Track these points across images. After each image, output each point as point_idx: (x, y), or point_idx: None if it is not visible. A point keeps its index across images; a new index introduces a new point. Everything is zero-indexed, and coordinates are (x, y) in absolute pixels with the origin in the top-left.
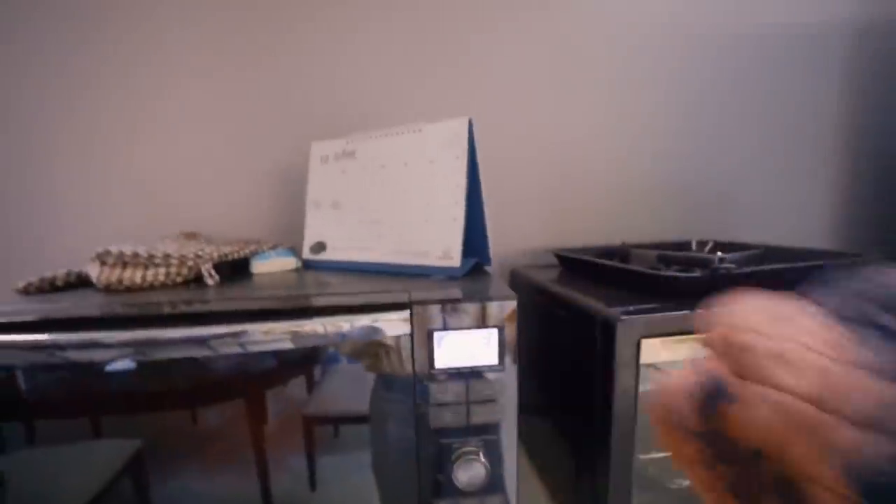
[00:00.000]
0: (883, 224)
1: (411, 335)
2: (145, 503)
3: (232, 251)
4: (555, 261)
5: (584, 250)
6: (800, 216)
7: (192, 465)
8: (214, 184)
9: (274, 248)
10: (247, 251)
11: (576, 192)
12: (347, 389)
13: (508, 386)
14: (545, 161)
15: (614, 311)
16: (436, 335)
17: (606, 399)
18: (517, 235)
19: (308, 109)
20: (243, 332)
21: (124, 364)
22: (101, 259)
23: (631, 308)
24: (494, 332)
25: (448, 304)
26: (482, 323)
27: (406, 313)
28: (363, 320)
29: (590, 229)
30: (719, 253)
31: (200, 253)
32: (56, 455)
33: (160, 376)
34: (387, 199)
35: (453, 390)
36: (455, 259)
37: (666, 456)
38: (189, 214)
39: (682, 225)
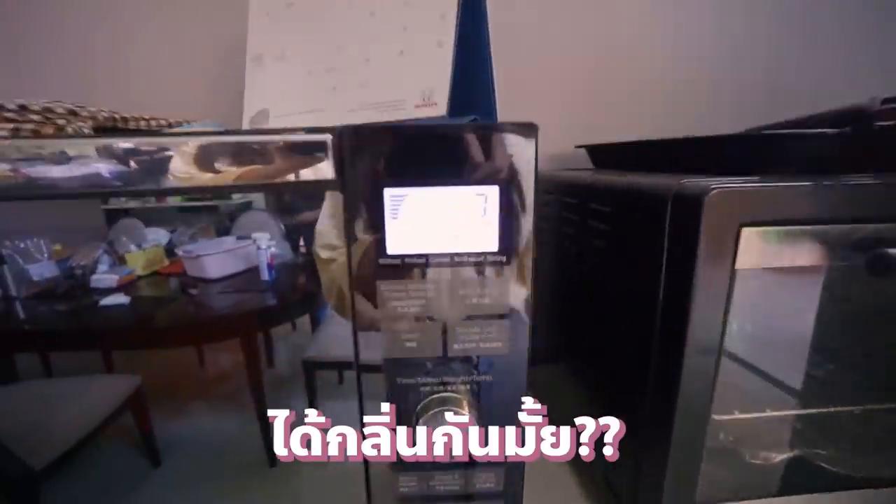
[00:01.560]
0: None
1: (341, 180)
2: (147, 439)
3: (132, 118)
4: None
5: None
6: None
7: (194, 405)
8: (143, 60)
9: (199, 122)
10: (154, 123)
11: (612, 91)
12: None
13: (515, 293)
14: (579, 48)
15: (699, 183)
16: (387, 193)
17: (678, 325)
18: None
19: None
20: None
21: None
22: None
23: (723, 180)
24: (493, 190)
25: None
26: (471, 176)
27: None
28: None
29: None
30: (877, 96)
31: (78, 109)
32: (55, 387)
33: (157, 311)
34: (346, 36)
35: (418, 295)
36: (440, 104)
37: (751, 417)
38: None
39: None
